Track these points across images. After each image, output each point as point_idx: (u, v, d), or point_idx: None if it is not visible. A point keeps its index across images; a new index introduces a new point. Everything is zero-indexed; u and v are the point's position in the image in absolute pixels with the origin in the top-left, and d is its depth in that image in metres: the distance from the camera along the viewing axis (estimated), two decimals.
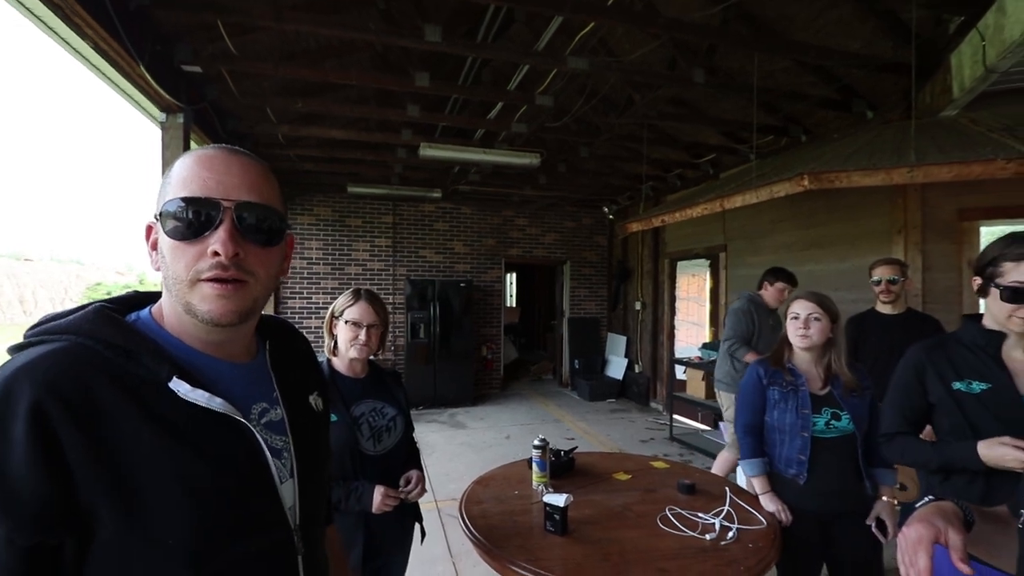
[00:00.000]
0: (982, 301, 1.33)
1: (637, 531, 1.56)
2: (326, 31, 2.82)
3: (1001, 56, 2.47)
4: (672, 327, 6.48)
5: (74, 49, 2.43)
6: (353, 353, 1.52)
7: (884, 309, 2.64)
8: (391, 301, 6.81)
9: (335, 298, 1.60)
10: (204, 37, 3.06)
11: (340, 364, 1.57)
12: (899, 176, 2.48)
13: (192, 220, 0.60)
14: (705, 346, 5.16)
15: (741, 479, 2.79)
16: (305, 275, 6.58)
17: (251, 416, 0.67)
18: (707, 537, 1.51)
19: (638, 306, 7.08)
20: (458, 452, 4.74)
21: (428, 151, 4.24)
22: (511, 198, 7.09)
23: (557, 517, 1.52)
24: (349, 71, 3.61)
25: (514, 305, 12.26)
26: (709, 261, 6.02)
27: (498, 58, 3.51)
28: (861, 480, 1.69)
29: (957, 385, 1.33)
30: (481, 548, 1.48)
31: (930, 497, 0.85)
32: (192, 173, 0.62)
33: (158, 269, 0.64)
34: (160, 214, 0.61)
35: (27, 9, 2.08)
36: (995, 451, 1.19)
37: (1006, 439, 1.18)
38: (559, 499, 1.53)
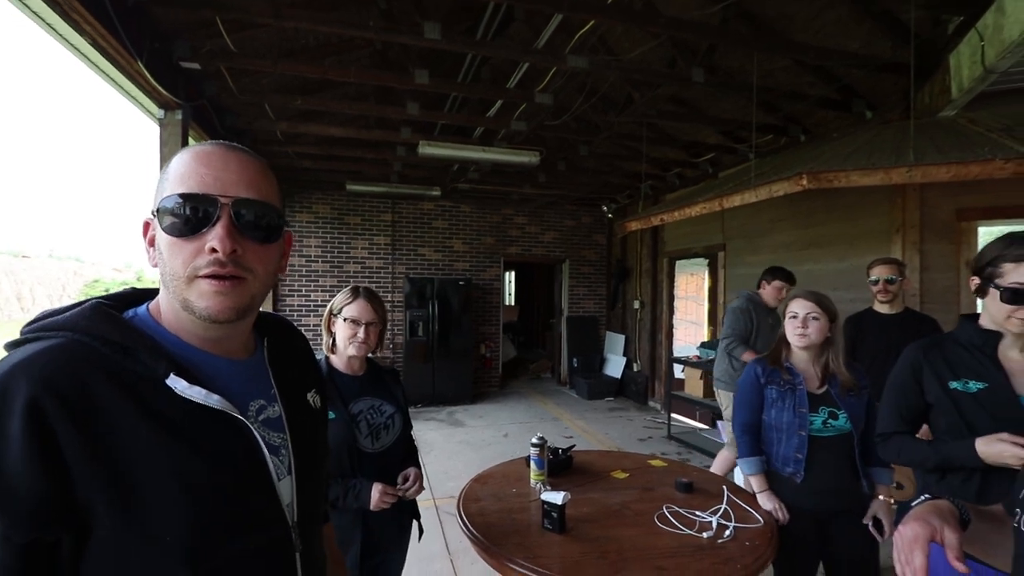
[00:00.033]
0: (979, 301, 1.34)
1: (635, 529, 1.57)
2: (325, 28, 2.81)
3: (1000, 56, 2.47)
4: (670, 326, 6.49)
5: (72, 45, 2.42)
6: (352, 351, 1.52)
7: (882, 309, 2.65)
8: (390, 299, 6.80)
9: (334, 296, 1.60)
10: (203, 34, 3.05)
11: (338, 362, 1.57)
12: (898, 176, 2.48)
13: (190, 216, 0.60)
14: (703, 345, 5.17)
15: (740, 478, 2.79)
16: (304, 273, 6.58)
17: (248, 413, 0.67)
18: (704, 535, 1.52)
19: (637, 305, 7.09)
20: (456, 450, 4.75)
21: (427, 149, 4.24)
22: (510, 196, 7.09)
23: (555, 515, 1.52)
24: (348, 68, 3.60)
25: (513, 303, 12.26)
26: (708, 260, 6.03)
27: (497, 56, 3.51)
28: (858, 479, 1.69)
29: (954, 384, 1.33)
30: (479, 546, 1.48)
31: (926, 496, 0.86)
32: (190, 169, 0.61)
33: (155, 265, 0.64)
34: (157, 210, 0.61)
35: (25, 5, 2.07)
36: (994, 447, 1.19)
37: (1004, 435, 1.18)
38: (557, 497, 1.53)
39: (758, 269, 3.53)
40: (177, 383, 0.58)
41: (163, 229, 0.61)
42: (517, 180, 6.12)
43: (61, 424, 0.50)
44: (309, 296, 6.58)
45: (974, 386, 1.30)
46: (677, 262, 6.47)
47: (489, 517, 1.63)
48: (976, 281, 1.31)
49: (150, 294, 0.70)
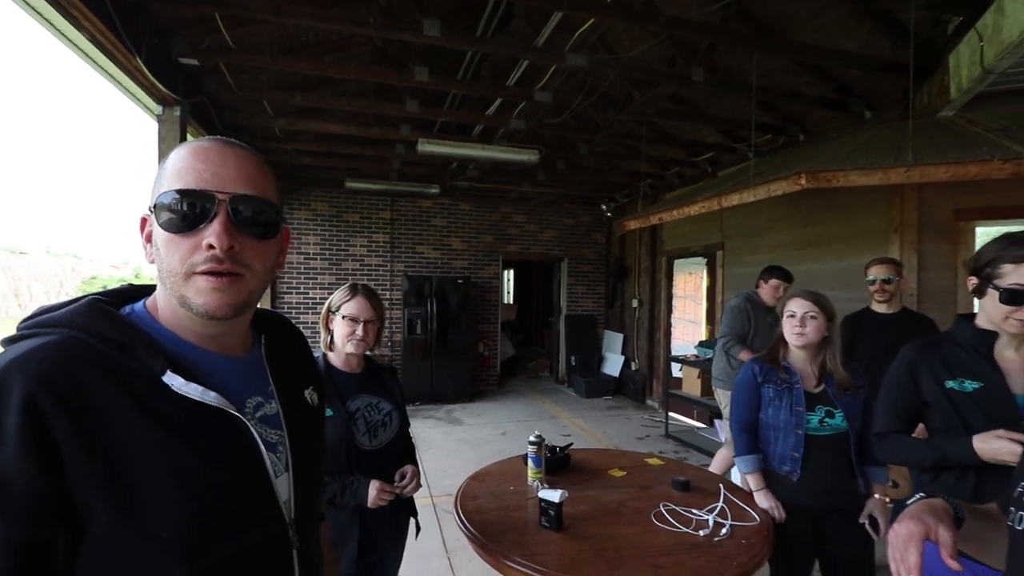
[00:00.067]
0: (976, 301, 1.34)
1: (632, 527, 1.57)
2: (325, 25, 2.80)
3: (999, 57, 2.47)
4: (669, 325, 6.50)
5: (70, 41, 2.41)
6: (350, 348, 1.52)
7: (879, 308, 2.65)
8: (388, 297, 6.80)
9: (332, 294, 1.60)
10: (201, 30, 3.04)
11: (336, 359, 1.57)
12: (896, 176, 2.49)
13: (187, 212, 0.60)
14: (701, 344, 5.17)
15: (738, 477, 2.80)
16: (302, 270, 6.57)
17: (246, 410, 0.67)
18: (701, 533, 1.52)
19: (635, 303, 7.09)
20: (454, 448, 4.75)
21: (427, 146, 4.23)
22: (509, 194, 7.08)
23: (552, 513, 1.53)
24: (348, 65, 3.59)
25: (511, 302, 12.26)
26: (706, 259, 6.03)
27: (497, 53, 3.50)
28: (854, 477, 1.70)
29: (950, 384, 1.34)
30: (476, 543, 1.49)
31: (921, 494, 0.86)
32: (187, 165, 0.61)
33: (152, 262, 0.64)
34: (154, 206, 0.61)
35: (24, 1, 2.06)
36: (991, 444, 1.20)
37: (1001, 432, 1.19)
38: (554, 495, 1.54)
39: (756, 268, 3.54)
40: (174, 380, 0.58)
41: (160, 225, 0.61)
42: (516, 178, 6.11)
43: (57, 421, 0.50)
44: (307, 294, 6.58)
45: (970, 385, 1.31)
46: (675, 261, 6.48)
47: (486, 515, 1.63)
48: (974, 281, 1.31)
49: (147, 290, 0.69)
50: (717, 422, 4.61)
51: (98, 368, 0.55)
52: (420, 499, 1.74)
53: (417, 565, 2.67)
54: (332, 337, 1.55)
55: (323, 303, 1.61)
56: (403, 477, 1.54)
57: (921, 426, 1.46)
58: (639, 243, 6.99)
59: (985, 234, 3.26)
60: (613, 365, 7.34)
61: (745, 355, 3.17)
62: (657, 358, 6.58)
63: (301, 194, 6.54)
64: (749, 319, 3.32)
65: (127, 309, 0.65)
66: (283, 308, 6.44)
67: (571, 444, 2.23)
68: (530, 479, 1.88)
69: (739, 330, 3.31)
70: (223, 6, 2.58)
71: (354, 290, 1.55)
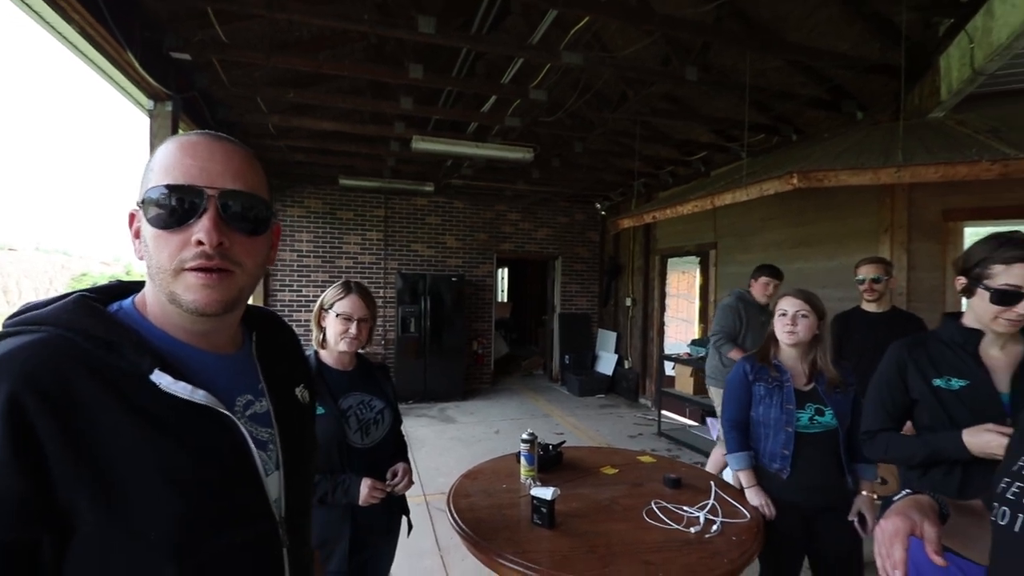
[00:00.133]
0: (964, 300, 1.35)
1: (623, 524, 1.58)
2: (319, 21, 2.79)
3: (988, 59, 2.50)
4: (662, 323, 6.53)
5: (59, 34, 2.38)
6: (343, 346, 1.51)
7: (869, 307, 2.68)
8: (382, 295, 6.78)
9: (325, 291, 1.59)
10: (194, 24, 3.01)
11: (328, 357, 1.56)
12: (886, 176, 2.51)
13: (175, 208, 0.59)
14: (694, 342, 5.20)
15: (731, 475, 2.82)
16: (295, 268, 6.54)
17: (235, 408, 0.66)
18: (692, 530, 1.53)
19: (628, 302, 7.12)
20: (448, 446, 4.75)
21: (421, 144, 4.22)
22: (504, 193, 7.08)
23: (544, 510, 1.53)
24: (342, 62, 3.57)
25: (505, 300, 12.27)
26: (699, 258, 6.06)
27: (492, 51, 3.49)
28: (843, 475, 1.72)
29: (937, 382, 1.35)
30: (469, 541, 1.49)
31: (907, 490, 0.87)
32: (175, 160, 0.60)
33: (142, 258, 0.63)
34: (143, 201, 0.60)
35: None
36: (980, 438, 1.21)
37: (990, 426, 1.21)
38: (547, 493, 1.54)
39: (749, 267, 3.56)
40: (162, 379, 0.58)
41: (148, 221, 0.60)
42: (511, 176, 6.11)
43: (41, 420, 0.50)
44: (300, 291, 6.55)
45: (956, 383, 1.33)
46: (669, 260, 6.50)
47: (479, 513, 1.64)
48: (963, 281, 1.32)
49: (136, 287, 0.68)
50: (709, 420, 4.64)
51: (84, 366, 0.54)
52: (413, 497, 1.74)
53: (409, 563, 2.67)
54: (324, 335, 1.55)
55: (316, 301, 1.60)
56: (395, 475, 1.54)
57: (909, 424, 1.48)
58: (633, 242, 7.01)
59: (974, 234, 3.30)
60: (606, 363, 7.36)
61: (735, 354, 3.19)
62: (650, 356, 6.60)
63: (294, 191, 6.50)
64: (740, 317, 3.34)
65: (115, 306, 0.64)
66: (276, 306, 6.41)
67: (564, 442, 2.24)
68: (523, 477, 1.89)
69: (730, 328, 3.33)
70: (216, 0, 2.56)
71: (347, 288, 1.55)
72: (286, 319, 0.84)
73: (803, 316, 1.74)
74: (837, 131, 3.90)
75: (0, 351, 0.52)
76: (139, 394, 0.56)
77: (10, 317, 0.58)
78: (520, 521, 1.59)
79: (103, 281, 0.71)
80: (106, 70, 2.76)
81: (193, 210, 0.59)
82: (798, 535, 1.73)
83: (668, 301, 6.63)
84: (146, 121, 3.21)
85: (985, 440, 1.21)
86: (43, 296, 0.63)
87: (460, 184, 6.41)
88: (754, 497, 1.73)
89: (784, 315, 1.77)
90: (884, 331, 2.54)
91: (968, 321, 1.35)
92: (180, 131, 3.33)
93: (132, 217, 0.64)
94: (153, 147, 3.16)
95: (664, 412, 5.46)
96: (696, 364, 4.75)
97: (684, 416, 5.76)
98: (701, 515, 1.61)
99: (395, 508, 1.62)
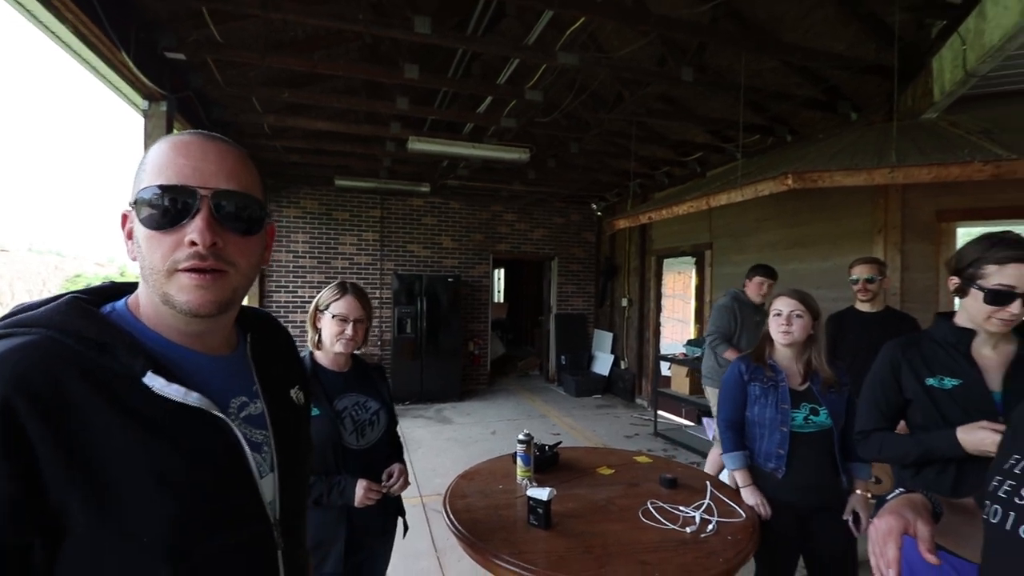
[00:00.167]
0: (957, 300, 1.36)
1: (620, 524, 1.58)
2: (314, 21, 2.78)
3: (981, 60, 2.52)
4: (658, 324, 6.54)
5: (53, 34, 2.36)
6: (339, 347, 1.51)
7: (863, 307, 2.69)
8: (378, 296, 6.77)
9: (320, 292, 1.58)
10: (189, 24, 3.00)
11: (323, 358, 1.56)
12: (880, 177, 2.53)
13: (168, 208, 0.59)
14: (690, 343, 5.22)
15: (727, 475, 2.83)
16: (291, 269, 6.51)
17: (230, 410, 0.66)
18: (688, 530, 1.54)
19: (625, 303, 7.13)
20: (444, 447, 4.75)
21: (417, 144, 4.21)
22: (500, 193, 7.08)
23: (540, 511, 1.53)
24: (337, 62, 3.56)
25: (502, 301, 12.26)
26: (695, 259, 6.09)
27: (488, 51, 3.49)
28: (838, 474, 1.73)
29: (930, 381, 1.36)
30: (465, 542, 1.49)
31: (900, 489, 0.88)
32: (167, 160, 0.60)
33: (135, 259, 0.62)
34: (135, 202, 0.60)
35: None
36: (975, 435, 1.22)
37: (984, 423, 1.22)
38: (543, 493, 1.54)
39: (744, 268, 3.57)
40: (155, 381, 0.57)
41: (141, 221, 0.60)
42: (507, 177, 6.11)
43: (32, 422, 0.49)
44: (296, 292, 6.52)
45: (949, 382, 1.33)
46: (665, 260, 6.52)
47: (475, 513, 1.64)
48: (956, 281, 1.33)
49: (129, 288, 0.68)
50: (705, 420, 4.66)
51: (76, 369, 0.54)
52: (409, 498, 1.74)
53: (405, 564, 2.66)
54: (320, 336, 1.54)
55: (311, 302, 1.59)
56: (390, 476, 1.53)
57: (902, 423, 1.49)
58: (629, 242, 7.03)
59: (966, 235, 3.32)
60: (603, 364, 7.37)
61: (730, 354, 3.20)
62: (646, 357, 6.62)
63: (290, 192, 6.48)
64: (735, 317, 3.35)
65: (108, 307, 0.64)
66: (271, 307, 6.38)
67: (560, 443, 2.24)
68: (519, 478, 1.88)
69: (725, 328, 3.35)
70: (211, 0, 2.55)
71: (343, 289, 1.54)
72: (281, 320, 0.84)
73: (798, 316, 1.75)
74: (832, 132, 3.92)
75: None
76: (132, 396, 0.56)
77: (2, 319, 0.58)
78: (516, 522, 1.59)
79: (97, 282, 0.70)
80: (100, 70, 2.75)
81: (186, 210, 0.59)
82: (793, 534, 1.74)
83: (664, 301, 6.64)
84: (141, 121, 3.19)
85: (980, 437, 1.21)
86: (36, 298, 0.62)
87: (456, 185, 6.41)
88: (750, 497, 1.74)
89: (779, 315, 1.78)
90: (878, 331, 2.55)
91: (961, 321, 1.36)
92: (175, 131, 3.32)
93: (125, 218, 0.63)
94: (148, 147, 3.14)
95: (660, 412, 5.47)
96: (692, 364, 4.77)
97: (680, 416, 5.77)
98: (697, 515, 1.61)
99: (391, 509, 1.62)
